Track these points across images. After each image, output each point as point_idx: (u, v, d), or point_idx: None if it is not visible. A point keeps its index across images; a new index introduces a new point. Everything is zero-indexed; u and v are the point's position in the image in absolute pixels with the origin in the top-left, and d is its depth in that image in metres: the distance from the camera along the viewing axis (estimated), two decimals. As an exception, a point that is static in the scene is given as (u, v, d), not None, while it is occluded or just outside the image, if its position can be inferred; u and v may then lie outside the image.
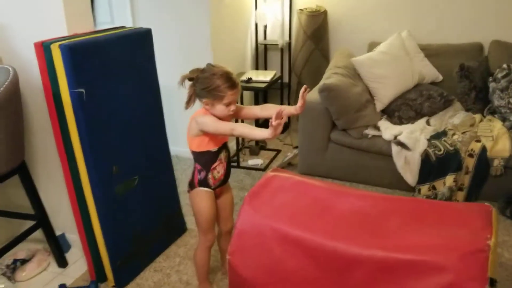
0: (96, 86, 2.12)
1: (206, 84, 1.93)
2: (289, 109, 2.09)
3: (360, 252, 1.62)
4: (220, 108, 1.95)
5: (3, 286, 2.34)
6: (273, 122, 1.75)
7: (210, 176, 2.07)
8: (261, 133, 1.86)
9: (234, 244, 1.85)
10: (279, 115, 1.74)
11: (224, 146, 2.10)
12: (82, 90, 2.04)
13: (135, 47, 2.36)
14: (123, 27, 2.56)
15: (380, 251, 1.60)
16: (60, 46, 1.99)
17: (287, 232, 1.75)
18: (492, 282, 1.50)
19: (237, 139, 3.85)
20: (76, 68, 2.01)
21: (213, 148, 2.04)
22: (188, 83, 2.03)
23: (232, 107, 1.97)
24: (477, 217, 1.70)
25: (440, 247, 1.57)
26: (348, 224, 1.74)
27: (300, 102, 1.99)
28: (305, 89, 1.98)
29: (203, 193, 2.09)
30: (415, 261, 1.55)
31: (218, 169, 2.08)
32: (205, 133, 2.00)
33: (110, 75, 2.20)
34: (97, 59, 2.12)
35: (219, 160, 2.07)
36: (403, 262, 1.56)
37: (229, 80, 1.93)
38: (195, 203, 2.12)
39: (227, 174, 2.14)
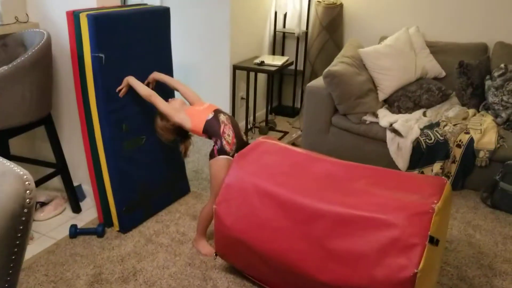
0: (114, 53, 2.42)
1: (163, 128, 2.48)
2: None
3: (323, 207, 1.87)
4: (163, 105, 2.43)
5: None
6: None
7: (224, 142, 2.32)
8: (135, 88, 2.49)
9: (221, 196, 2.13)
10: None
11: (220, 111, 2.39)
12: (102, 55, 2.35)
13: (153, 22, 2.65)
14: (145, 4, 2.85)
15: (340, 207, 1.85)
16: (87, 15, 2.30)
17: (265, 187, 2.02)
18: (433, 239, 1.73)
19: (247, 119, 4.12)
20: (98, 36, 2.32)
21: (207, 116, 2.34)
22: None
23: (171, 102, 2.48)
24: (431, 186, 1.93)
25: (392, 207, 1.80)
26: (318, 184, 2.00)
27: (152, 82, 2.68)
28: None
29: (221, 161, 2.32)
30: (368, 217, 1.80)
31: (227, 132, 2.33)
32: (189, 115, 2.37)
33: (128, 44, 2.50)
34: (118, 29, 2.42)
35: (222, 123, 2.34)
36: (358, 217, 1.81)
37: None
38: (212, 169, 2.35)
39: (238, 137, 2.37)
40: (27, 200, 1.04)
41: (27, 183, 1.05)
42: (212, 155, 2.36)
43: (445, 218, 1.98)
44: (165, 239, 2.58)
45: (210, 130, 2.34)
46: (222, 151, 2.32)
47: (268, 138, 2.38)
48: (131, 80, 2.49)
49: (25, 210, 1.03)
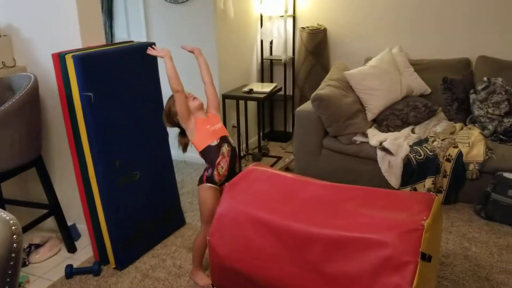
0: (103, 91, 2.46)
1: (169, 114, 2.42)
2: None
3: (315, 231, 1.89)
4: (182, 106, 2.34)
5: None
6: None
7: (215, 172, 2.33)
8: (166, 65, 2.38)
9: (214, 227, 2.14)
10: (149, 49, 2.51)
11: (225, 141, 2.38)
12: (90, 94, 2.39)
13: (139, 58, 2.69)
14: (131, 41, 2.91)
15: (331, 230, 1.86)
16: (72, 56, 2.35)
17: (258, 215, 2.03)
18: (425, 256, 1.74)
19: (239, 147, 4.15)
20: (85, 75, 2.36)
21: (211, 141, 2.34)
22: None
23: (192, 99, 2.39)
24: (419, 203, 1.94)
25: (382, 227, 1.82)
26: (309, 208, 2.01)
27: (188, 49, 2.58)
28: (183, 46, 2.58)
29: (208, 188, 2.34)
30: (360, 238, 1.81)
31: (222, 164, 2.34)
32: (196, 130, 2.33)
33: (116, 82, 2.54)
34: (104, 68, 2.47)
35: (221, 154, 2.34)
36: (350, 239, 1.82)
37: (171, 95, 2.42)
38: (200, 196, 2.38)
39: (231, 170, 2.38)
40: (14, 244, 1.05)
41: (13, 228, 1.07)
42: (201, 180, 2.38)
43: (437, 233, 1.99)
44: (162, 273, 2.57)
45: (207, 155, 2.35)
46: (210, 180, 2.34)
47: (258, 165, 2.40)
48: (168, 60, 2.38)
49: (13, 255, 1.05)
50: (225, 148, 2.36)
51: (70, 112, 2.45)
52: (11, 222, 1.07)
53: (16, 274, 1.07)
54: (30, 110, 2.42)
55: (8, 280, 1.06)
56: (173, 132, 2.64)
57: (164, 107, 2.48)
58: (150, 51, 2.50)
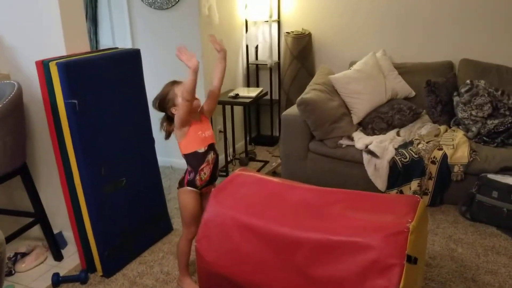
0: (88, 98, 2.45)
1: (163, 101, 2.36)
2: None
3: (302, 235, 1.89)
4: (185, 113, 2.27)
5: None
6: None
7: (197, 177, 2.34)
8: (189, 77, 2.17)
9: (201, 233, 2.13)
10: (180, 50, 2.20)
11: (212, 148, 2.38)
12: (75, 101, 2.37)
13: (125, 65, 2.69)
14: (116, 48, 2.90)
15: (318, 233, 1.87)
16: (56, 63, 2.34)
17: (244, 220, 2.03)
18: (410, 258, 1.76)
19: (226, 152, 4.14)
20: (70, 82, 2.35)
21: (199, 148, 2.34)
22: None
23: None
24: (404, 205, 1.96)
25: (368, 230, 1.83)
26: (295, 212, 2.02)
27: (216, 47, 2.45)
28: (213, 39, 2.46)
29: (189, 191, 2.36)
30: (346, 241, 1.82)
31: (205, 171, 2.35)
32: (187, 134, 2.32)
33: (101, 88, 2.53)
34: (89, 75, 2.45)
35: (206, 161, 2.35)
36: (336, 242, 1.83)
37: (171, 82, 2.39)
38: (181, 199, 2.39)
39: (212, 176, 2.40)
40: (-2, 254, 1.04)
41: (-4, 237, 1.06)
42: (181, 184, 2.40)
43: (422, 235, 2.01)
44: (149, 280, 2.56)
45: (192, 160, 2.35)
46: (191, 184, 2.35)
47: (244, 170, 2.41)
48: (193, 74, 2.16)
49: (-4, 265, 1.04)
50: (210, 156, 2.37)
51: (55, 120, 2.43)
52: (-5, 232, 1.06)
53: (0, 283, 1.06)
54: (14, 118, 2.40)
55: (-8, 290, 1.05)
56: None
57: (161, 90, 2.39)
58: (180, 53, 2.20)
